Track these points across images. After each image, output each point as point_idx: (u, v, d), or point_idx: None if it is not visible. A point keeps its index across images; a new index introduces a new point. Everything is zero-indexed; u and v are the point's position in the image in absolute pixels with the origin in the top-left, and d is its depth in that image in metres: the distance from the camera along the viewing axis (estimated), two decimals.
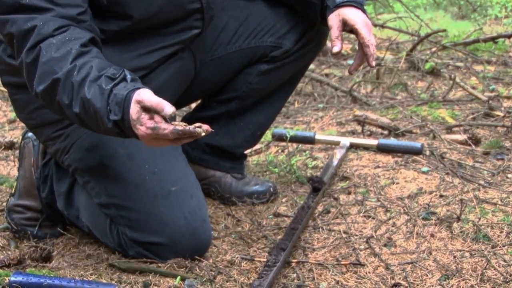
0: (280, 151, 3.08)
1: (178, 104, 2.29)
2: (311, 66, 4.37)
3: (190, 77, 2.26)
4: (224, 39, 2.33)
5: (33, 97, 1.83)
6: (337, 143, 3.01)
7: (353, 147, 3.00)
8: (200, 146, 2.50)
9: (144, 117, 1.60)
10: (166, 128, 1.59)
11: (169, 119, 1.62)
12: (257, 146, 3.00)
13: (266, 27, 2.33)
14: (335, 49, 2.04)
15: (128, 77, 1.68)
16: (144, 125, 1.60)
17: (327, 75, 4.58)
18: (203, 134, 1.57)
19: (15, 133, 3.39)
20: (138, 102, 1.60)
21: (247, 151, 2.62)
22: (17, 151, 2.36)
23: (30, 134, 2.28)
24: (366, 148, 2.98)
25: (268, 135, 3.08)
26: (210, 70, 2.33)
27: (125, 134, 1.67)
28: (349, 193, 2.56)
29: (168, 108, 1.57)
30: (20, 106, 2.08)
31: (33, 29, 1.73)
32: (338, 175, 2.71)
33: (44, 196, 2.24)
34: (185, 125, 1.57)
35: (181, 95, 2.28)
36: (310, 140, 3.05)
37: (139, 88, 1.63)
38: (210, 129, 1.59)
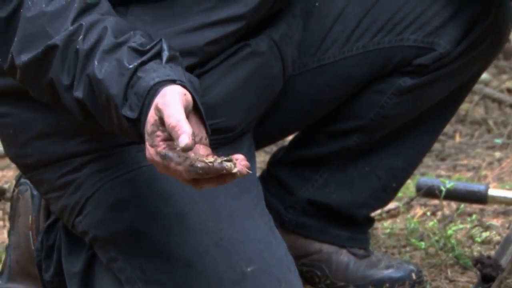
0: (429, 213, 3.09)
1: (259, 137, 2.30)
2: (483, 76, 4.33)
3: (275, 88, 2.23)
4: (339, 34, 2.35)
5: (27, 122, 1.88)
6: None
7: None
8: (298, 204, 2.52)
9: (160, 135, 1.61)
10: (180, 163, 1.59)
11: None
12: (392, 205, 3.00)
13: (408, 17, 2.33)
14: None
15: (165, 53, 1.68)
16: (155, 147, 1.61)
17: (510, 91, 4.54)
18: (234, 170, 1.57)
19: (7, 175, 3.45)
20: (157, 109, 1.61)
21: (374, 213, 2.62)
22: (8, 204, 2.40)
23: None
24: None
25: (410, 187, 3.10)
26: (315, 83, 2.36)
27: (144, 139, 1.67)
28: None
29: (184, 138, 1.55)
30: (8, 136, 2.08)
31: None
32: None
33: (49, 279, 2.26)
34: (207, 160, 1.57)
35: (263, 121, 2.29)
36: (480, 198, 3.06)
37: (174, 82, 1.63)
38: (246, 169, 1.59)
